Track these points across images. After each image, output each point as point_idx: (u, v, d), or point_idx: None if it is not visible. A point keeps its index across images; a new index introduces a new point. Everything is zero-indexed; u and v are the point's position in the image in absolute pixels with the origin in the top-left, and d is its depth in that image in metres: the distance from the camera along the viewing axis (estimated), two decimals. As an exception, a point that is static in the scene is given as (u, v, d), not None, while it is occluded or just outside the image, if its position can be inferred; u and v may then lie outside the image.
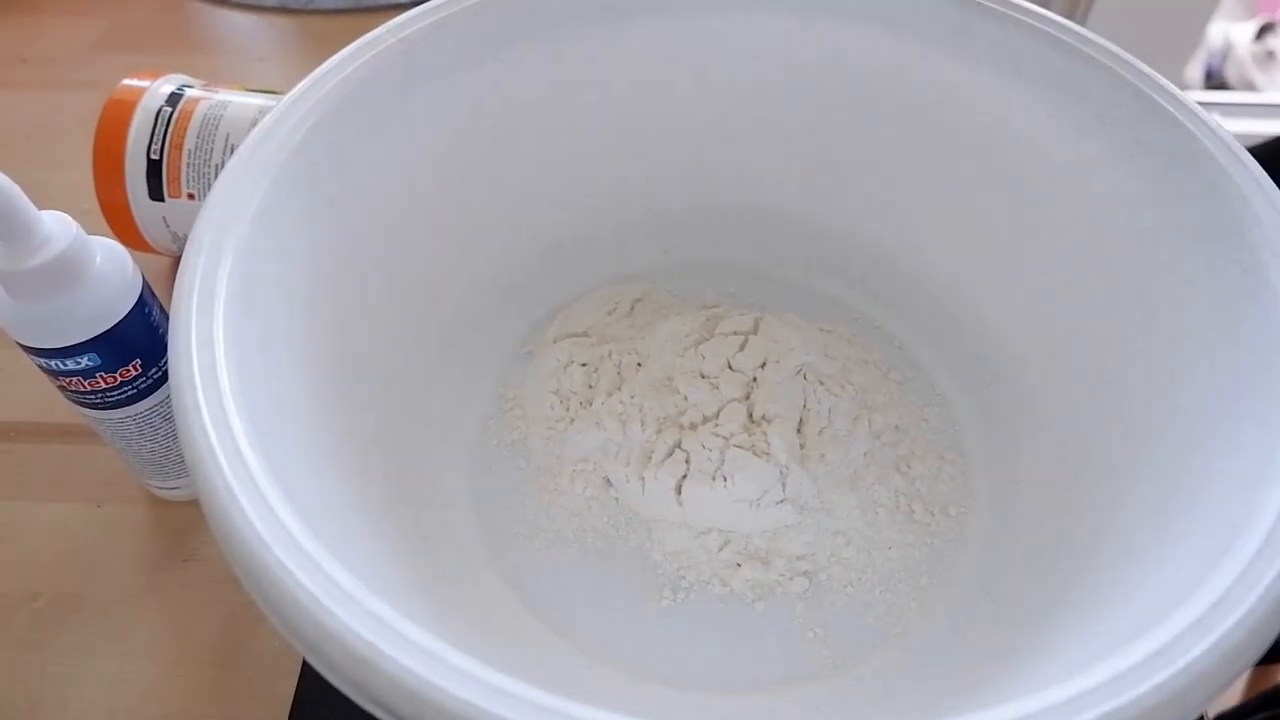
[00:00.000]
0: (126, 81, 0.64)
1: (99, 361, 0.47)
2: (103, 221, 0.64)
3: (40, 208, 0.44)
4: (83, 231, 0.45)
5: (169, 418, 0.50)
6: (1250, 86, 1.71)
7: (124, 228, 0.64)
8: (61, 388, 0.49)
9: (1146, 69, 0.49)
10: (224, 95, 0.64)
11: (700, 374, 0.55)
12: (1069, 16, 0.51)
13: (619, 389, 0.56)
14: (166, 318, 0.46)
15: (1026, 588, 0.48)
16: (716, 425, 0.54)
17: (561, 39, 0.54)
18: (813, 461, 0.54)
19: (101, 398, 0.49)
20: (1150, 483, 0.44)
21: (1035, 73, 0.51)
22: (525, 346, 0.61)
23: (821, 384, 0.56)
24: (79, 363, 0.47)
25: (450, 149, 0.53)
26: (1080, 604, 0.43)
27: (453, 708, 0.29)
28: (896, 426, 0.57)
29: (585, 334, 0.60)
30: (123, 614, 0.53)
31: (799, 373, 0.56)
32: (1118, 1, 1.35)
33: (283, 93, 0.47)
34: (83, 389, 0.48)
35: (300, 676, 0.51)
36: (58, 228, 0.44)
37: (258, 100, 0.64)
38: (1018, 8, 0.51)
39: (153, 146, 0.62)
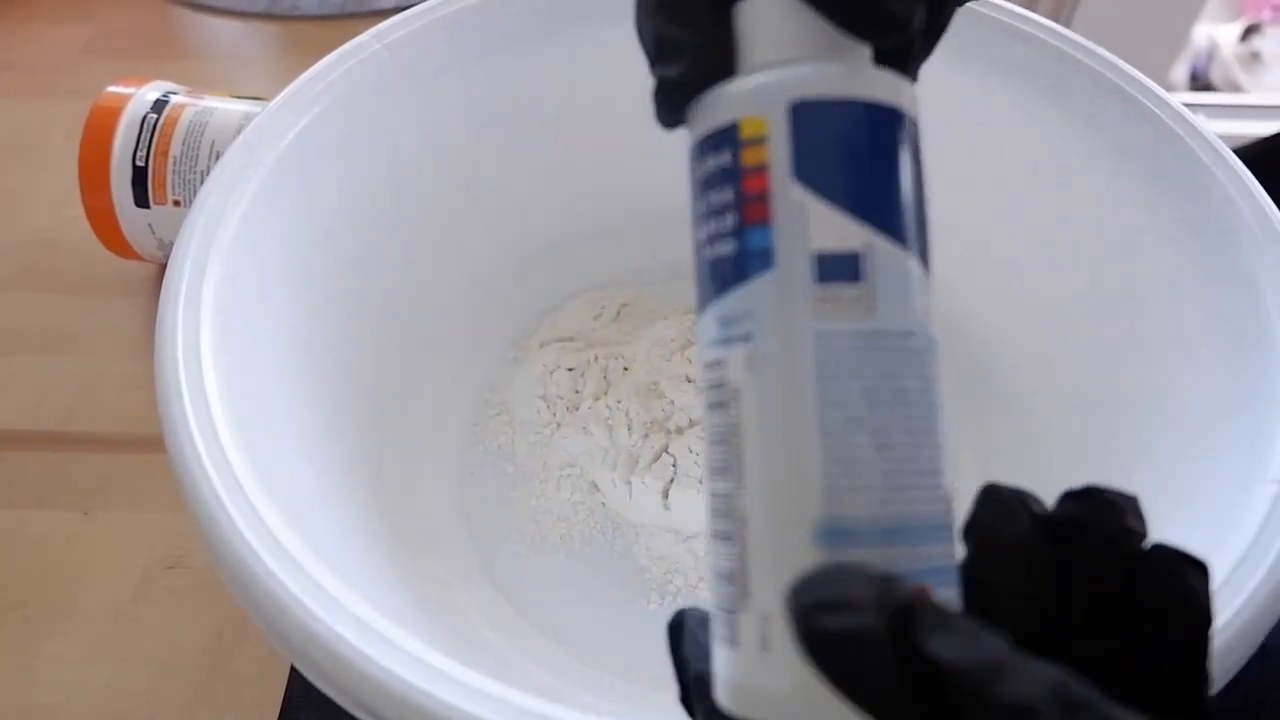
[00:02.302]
0: (112, 88, 0.64)
1: None
2: (88, 227, 0.63)
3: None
4: None
5: None
6: (1235, 88, 1.72)
7: (109, 234, 0.64)
8: None
9: (1132, 71, 0.49)
10: (209, 102, 0.64)
11: (686, 378, 0.55)
12: (1054, 19, 0.51)
13: (605, 394, 0.56)
14: None
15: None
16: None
17: (546, 43, 0.54)
18: (800, 465, 0.53)
19: None
20: (1140, 483, 0.44)
21: (1022, 76, 0.51)
22: (511, 351, 0.61)
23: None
24: None
25: (435, 153, 0.53)
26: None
27: (439, 712, 0.29)
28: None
29: (572, 339, 0.60)
30: (110, 622, 0.53)
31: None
32: (1103, 4, 1.35)
33: (268, 99, 0.47)
34: None
35: (288, 682, 0.51)
36: None
37: (243, 106, 0.64)
38: (1004, 10, 0.51)
39: (138, 153, 0.62)
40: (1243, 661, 0.32)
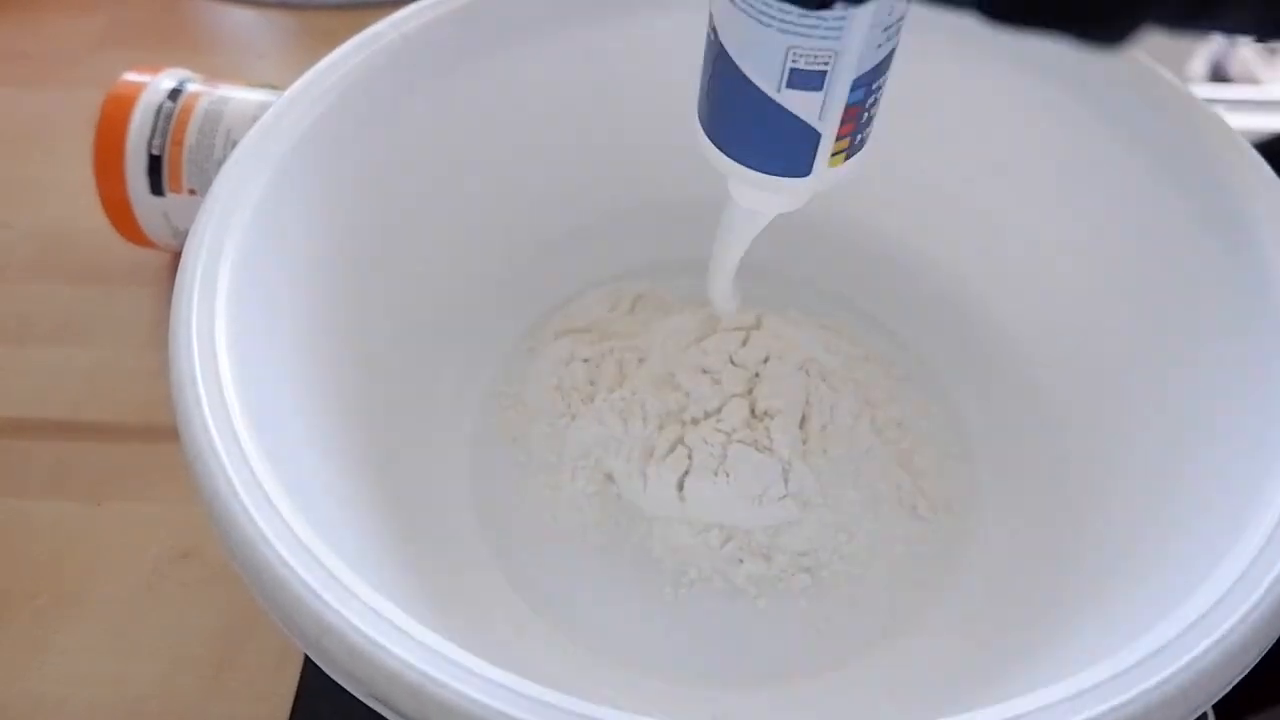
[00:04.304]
0: (127, 77, 0.64)
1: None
2: (103, 216, 0.64)
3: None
4: None
5: None
6: (1254, 81, 1.71)
7: (124, 223, 0.64)
8: None
9: (1149, 63, 0.49)
10: (225, 91, 0.64)
11: (702, 369, 0.55)
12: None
13: (621, 385, 0.56)
14: None
15: (1029, 584, 0.48)
16: (718, 421, 0.53)
17: (562, 34, 0.54)
18: (815, 457, 0.53)
19: None
20: (1154, 479, 0.44)
21: (1037, 68, 0.51)
22: (526, 342, 0.60)
23: (824, 379, 0.56)
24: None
25: (451, 143, 0.53)
26: (1083, 601, 0.43)
27: (454, 702, 0.29)
28: (899, 422, 0.57)
29: (587, 330, 0.60)
30: (123, 612, 0.53)
31: (801, 368, 0.56)
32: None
33: (283, 88, 0.47)
34: None
35: (302, 673, 0.51)
36: None
37: (258, 96, 0.64)
38: (1020, 2, 0.51)
39: (153, 142, 0.62)
40: (1258, 658, 0.32)
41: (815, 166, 0.39)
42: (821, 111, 0.36)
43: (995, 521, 0.53)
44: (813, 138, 0.37)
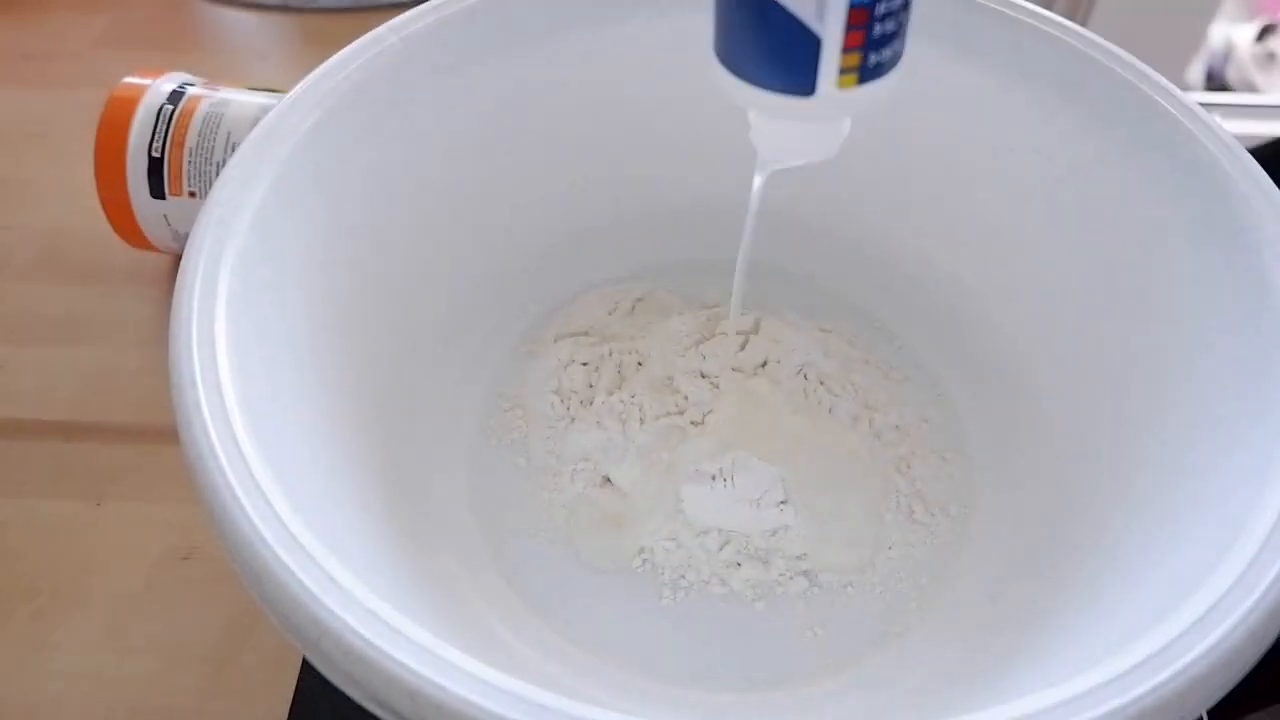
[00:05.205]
0: (128, 79, 0.64)
1: None
2: (103, 218, 0.64)
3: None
4: None
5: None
6: (1251, 88, 1.71)
7: (125, 225, 0.64)
8: None
9: (1147, 69, 0.49)
10: (226, 94, 0.64)
11: (700, 373, 0.55)
12: (1070, 17, 0.51)
13: (619, 388, 0.56)
14: None
15: (1027, 588, 0.48)
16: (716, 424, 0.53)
17: (561, 38, 0.54)
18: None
19: None
20: (1151, 483, 0.44)
21: (1035, 73, 0.51)
22: (526, 345, 0.61)
23: (822, 383, 0.56)
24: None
25: (450, 147, 0.53)
26: (1080, 605, 0.43)
27: (451, 705, 0.29)
28: (897, 426, 0.57)
29: (586, 333, 0.60)
30: (122, 611, 0.53)
31: (799, 372, 0.56)
32: (1119, 3, 1.35)
33: (284, 91, 0.47)
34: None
35: (300, 674, 0.51)
36: None
37: (259, 99, 0.64)
38: (1018, 8, 0.51)
39: (154, 144, 0.62)
40: (1254, 662, 0.32)
41: (820, 83, 0.34)
42: (820, 8, 0.32)
43: (992, 525, 0.53)
44: (812, 43, 0.33)
